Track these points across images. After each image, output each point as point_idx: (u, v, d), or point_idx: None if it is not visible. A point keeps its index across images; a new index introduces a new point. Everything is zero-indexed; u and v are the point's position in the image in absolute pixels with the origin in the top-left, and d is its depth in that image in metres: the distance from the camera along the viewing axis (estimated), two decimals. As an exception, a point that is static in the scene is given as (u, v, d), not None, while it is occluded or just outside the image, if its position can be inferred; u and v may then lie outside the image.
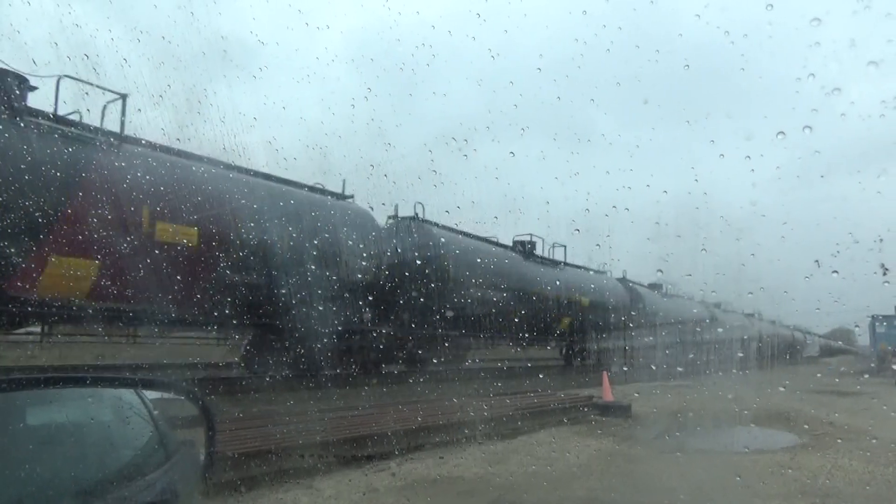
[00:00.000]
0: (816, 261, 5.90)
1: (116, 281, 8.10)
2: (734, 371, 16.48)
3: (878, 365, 27.00)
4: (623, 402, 9.90)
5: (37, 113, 8.21)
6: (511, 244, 17.71)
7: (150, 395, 2.22)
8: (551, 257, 19.06)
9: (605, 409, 9.65)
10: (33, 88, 8.19)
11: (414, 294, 12.63)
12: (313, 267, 10.49)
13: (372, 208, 12.95)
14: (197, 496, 2.33)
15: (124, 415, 2.11)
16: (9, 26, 8.21)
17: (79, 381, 2.18)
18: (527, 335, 16.82)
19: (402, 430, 6.67)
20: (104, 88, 8.50)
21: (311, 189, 12.03)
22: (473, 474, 5.67)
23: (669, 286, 25.33)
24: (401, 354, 13.65)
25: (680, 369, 16.06)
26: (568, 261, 19.72)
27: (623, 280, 23.16)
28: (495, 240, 16.88)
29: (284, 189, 11.24)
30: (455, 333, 13.97)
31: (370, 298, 11.89)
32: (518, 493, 5.18)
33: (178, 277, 8.49)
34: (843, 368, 30.86)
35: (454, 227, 14.95)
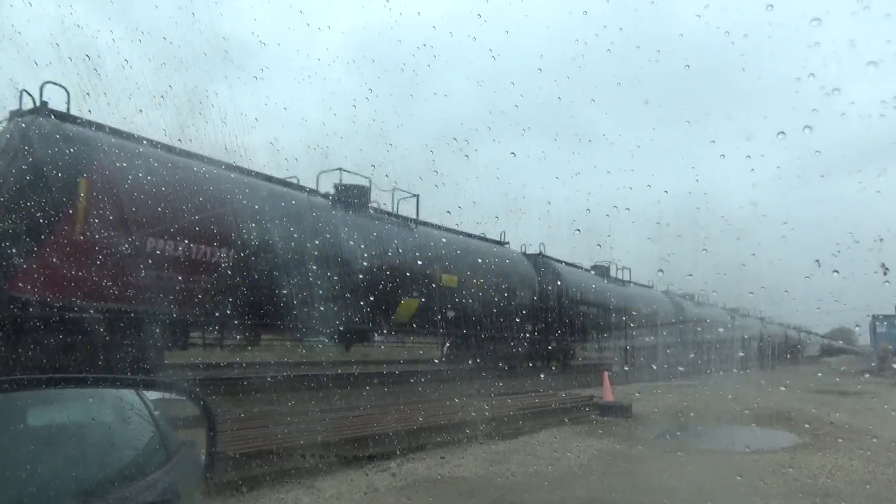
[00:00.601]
0: (817, 260, 5.90)
1: (428, 312, 13.54)
2: (735, 370, 16.50)
3: (878, 364, 27.00)
4: (624, 401, 9.90)
5: (378, 209, 13.32)
6: (590, 267, 22.17)
7: (151, 395, 2.22)
8: (620, 277, 23.59)
9: (606, 409, 9.64)
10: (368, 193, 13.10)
11: (550, 312, 17.77)
12: (499, 295, 15.65)
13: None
14: (198, 496, 2.33)
15: (125, 415, 2.11)
16: (10, 27, 8.25)
17: (80, 382, 2.18)
18: (605, 339, 20.93)
19: (404, 430, 6.67)
20: (402, 190, 13.93)
21: (487, 240, 17.11)
22: (474, 474, 5.68)
23: (699, 295, 29.14)
24: (545, 354, 18.47)
25: (681, 368, 17.06)
26: (621, 277, 24.20)
27: (667, 293, 27.17)
28: (581, 265, 21.43)
29: (483, 245, 16.64)
30: (571, 339, 19.40)
31: (528, 316, 17.09)
32: (519, 493, 5.18)
33: (449, 307, 13.96)
34: (843, 368, 30.88)
35: (561, 259, 19.58)
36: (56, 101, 8.16)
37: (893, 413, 11.41)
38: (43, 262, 7.55)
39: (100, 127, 8.55)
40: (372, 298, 11.61)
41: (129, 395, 2.16)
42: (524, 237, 19.41)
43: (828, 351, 59.59)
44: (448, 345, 17.01)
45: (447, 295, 13.89)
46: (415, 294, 13.08)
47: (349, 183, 12.76)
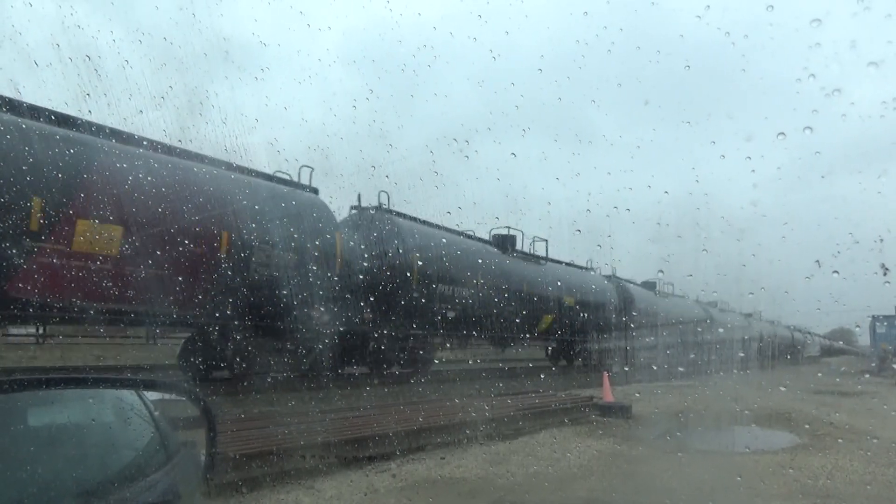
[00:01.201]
0: (817, 261, 5.91)
1: (554, 324, 18.93)
2: (735, 371, 16.52)
3: (878, 365, 27.04)
4: (624, 402, 9.88)
5: (520, 251, 18.26)
6: (640, 283, 26.20)
7: (152, 395, 2.22)
8: (663, 291, 27.67)
9: (606, 410, 9.62)
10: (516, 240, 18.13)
11: (623, 321, 22.35)
12: (594, 309, 20.95)
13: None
14: (198, 497, 2.33)
15: (125, 416, 2.11)
16: (10, 27, 8.27)
17: (80, 382, 2.18)
18: (657, 341, 24.05)
19: (404, 431, 6.66)
20: (538, 237, 19.29)
21: (581, 267, 22.15)
22: (475, 475, 5.67)
23: (721, 302, 32.79)
24: (616, 355, 22.45)
25: (680, 370, 17.09)
26: (661, 290, 27.95)
27: (698, 302, 30.92)
28: (637, 281, 25.92)
29: (582, 272, 21.95)
30: (638, 342, 23.16)
31: (609, 325, 21.58)
32: (519, 494, 5.18)
33: (568, 320, 19.25)
34: (843, 368, 30.89)
35: (618, 274, 24.39)
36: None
37: (893, 413, 11.41)
38: (392, 306, 12.91)
39: (412, 218, 14.39)
40: (523, 314, 17.08)
41: (129, 395, 2.16)
42: (525, 238, 19.66)
43: (828, 351, 59.64)
44: (552, 348, 22.12)
45: (568, 311, 19.45)
46: (551, 311, 18.65)
47: (504, 233, 17.97)
